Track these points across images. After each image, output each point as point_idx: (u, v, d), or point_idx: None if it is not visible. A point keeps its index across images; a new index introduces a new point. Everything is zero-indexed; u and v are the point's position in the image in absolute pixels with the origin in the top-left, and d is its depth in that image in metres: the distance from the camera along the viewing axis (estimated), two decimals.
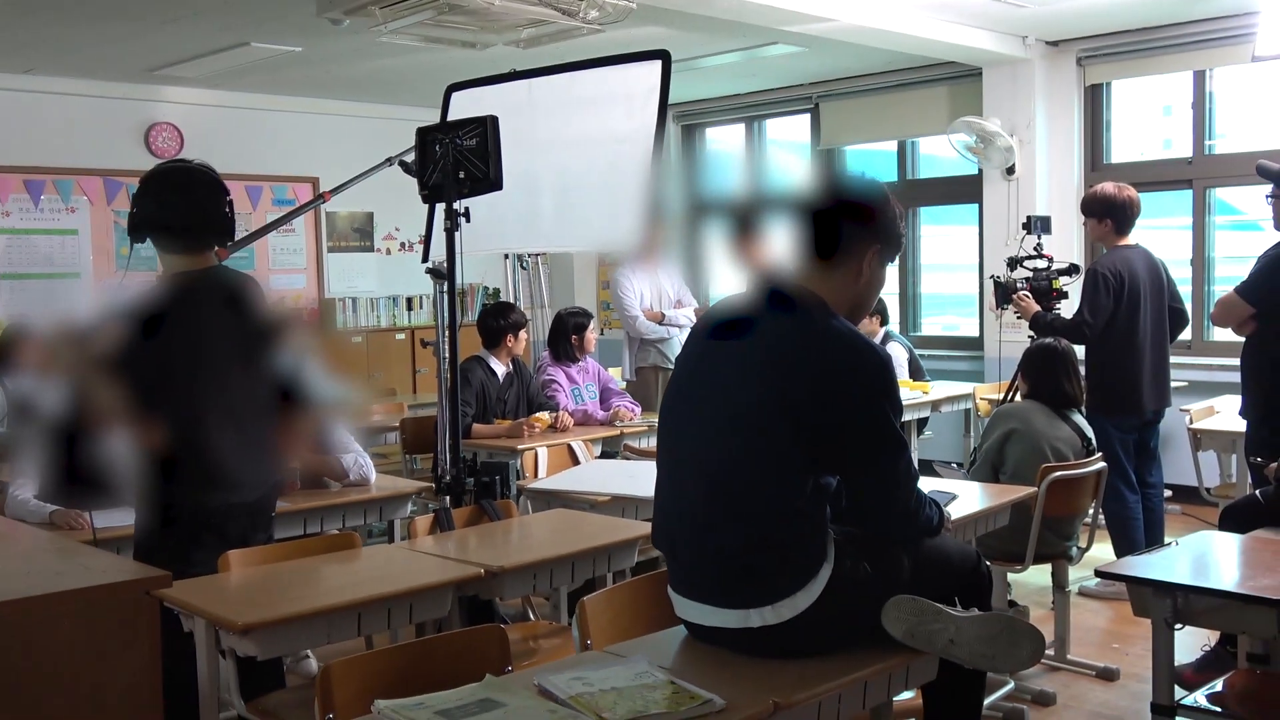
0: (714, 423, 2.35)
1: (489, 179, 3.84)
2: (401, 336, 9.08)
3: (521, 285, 6.98)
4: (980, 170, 7.77)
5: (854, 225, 2.42)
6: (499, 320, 5.68)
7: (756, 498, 2.30)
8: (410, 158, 4.11)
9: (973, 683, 2.58)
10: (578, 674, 2.17)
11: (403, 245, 9.44)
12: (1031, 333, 5.52)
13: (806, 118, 8.92)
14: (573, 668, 2.24)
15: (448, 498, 3.76)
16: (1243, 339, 4.49)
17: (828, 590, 2.29)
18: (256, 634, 2.67)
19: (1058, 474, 4.08)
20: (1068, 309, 5.57)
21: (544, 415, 5.43)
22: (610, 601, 2.65)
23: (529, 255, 7.20)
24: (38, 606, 1.42)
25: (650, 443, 5.48)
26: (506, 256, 7.83)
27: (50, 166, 7.81)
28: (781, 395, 2.29)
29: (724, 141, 9.75)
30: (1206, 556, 3.14)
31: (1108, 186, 5.23)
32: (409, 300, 9.31)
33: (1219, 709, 3.03)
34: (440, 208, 3.95)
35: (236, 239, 3.51)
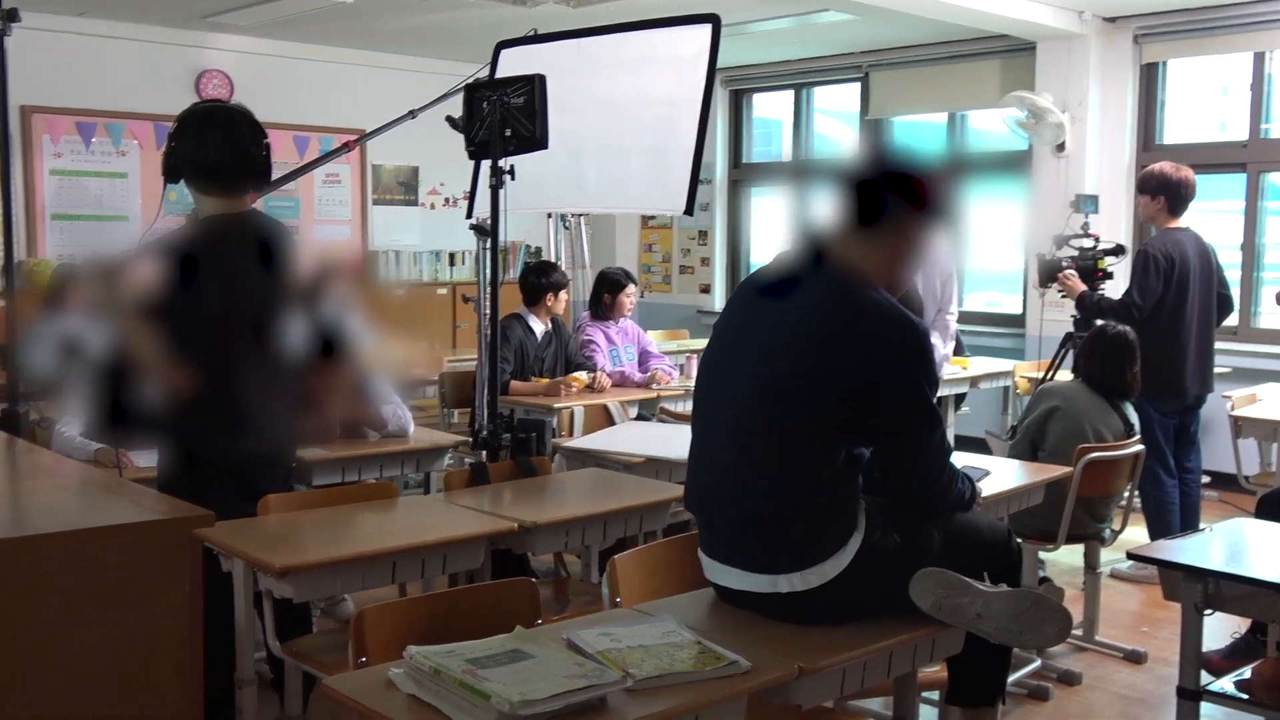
0: (749, 389, 2.36)
1: (535, 137, 3.84)
2: (443, 291, 9.13)
3: (563, 245, 6.99)
4: (1030, 146, 7.68)
5: (899, 197, 2.41)
6: (540, 279, 5.70)
7: (789, 465, 2.31)
8: (457, 113, 4.11)
9: (998, 658, 2.59)
10: (606, 630, 2.19)
11: (446, 201, 9.47)
12: (1075, 313, 5.49)
13: (856, 87, 8.85)
14: (601, 624, 2.27)
15: (484, 452, 3.79)
16: None
17: (857, 559, 2.31)
18: (293, 577, 2.72)
19: (1095, 455, 4.06)
20: (1112, 289, 5.53)
21: (581, 375, 5.46)
22: (641, 561, 2.68)
23: (571, 215, 7.21)
24: (85, 539, 1.46)
25: (687, 406, 5.50)
26: (549, 216, 7.84)
27: (102, 110, 7.88)
28: (817, 365, 2.29)
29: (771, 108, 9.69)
30: (1241, 544, 3.12)
31: (1165, 165, 5.17)
32: (451, 255, 9.35)
33: (1245, 696, 3.03)
34: (486, 165, 3.95)
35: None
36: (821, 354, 2.28)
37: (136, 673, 1.44)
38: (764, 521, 2.32)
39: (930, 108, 8.58)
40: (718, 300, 9.69)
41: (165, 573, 1.51)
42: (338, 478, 4.05)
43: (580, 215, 7.01)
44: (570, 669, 1.95)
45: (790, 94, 9.38)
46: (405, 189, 9.32)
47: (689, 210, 4.28)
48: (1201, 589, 2.86)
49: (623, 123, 4.63)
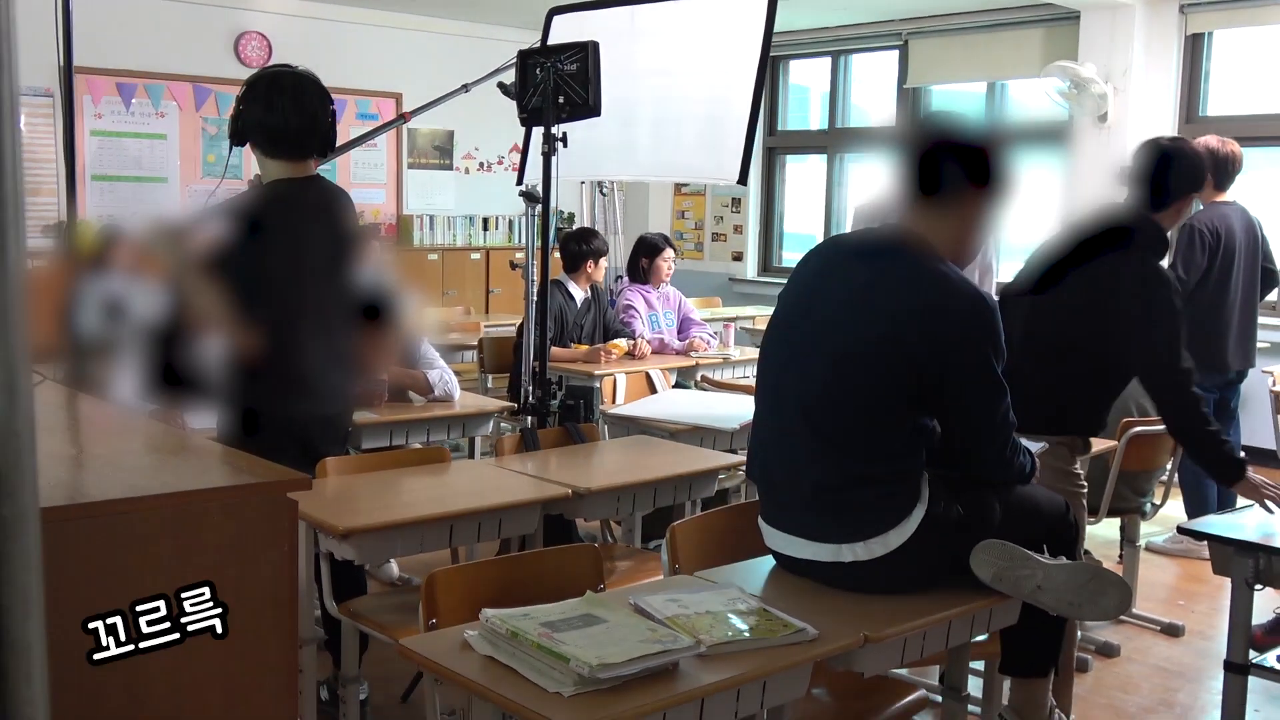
0: (817, 358, 2.38)
1: (588, 105, 3.85)
2: (476, 256, 9.16)
3: (598, 211, 7.00)
4: (1070, 117, 7.62)
5: (962, 169, 2.42)
6: (581, 245, 5.71)
7: (856, 435, 2.34)
8: (508, 78, 4.13)
9: (1053, 630, 2.61)
10: (672, 596, 2.23)
11: (481, 165, 9.48)
12: None
13: (894, 54, 8.79)
14: (665, 590, 2.30)
15: (532, 418, 3.83)
16: None
17: (920, 530, 2.33)
18: (355, 539, 2.76)
19: (1138, 429, 4.06)
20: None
21: (620, 342, 5.48)
22: (700, 528, 2.71)
23: (609, 182, 7.21)
24: (192, 501, 1.49)
25: (729, 375, 5.53)
26: (582, 182, 7.84)
27: (142, 70, 7.91)
28: (885, 336, 2.31)
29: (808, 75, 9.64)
30: None
31: (1210, 140, 5.13)
32: (485, 220, 9.37)
33: None
34: (538, 131, 3.97)
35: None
36: (892, 326, 2.30)
37: (238, 633, 1.47)
38: (830, 491, 2.35)
39: (970, 77, 8.52)
40: (750, 268, 9.69)
41: (265, 535, 1.55)
42: (385, 441, 4.10)
43: (615, 182, 7.01)
44: (644, 634, 1.98)
45: (828, 61, 9.32)
46: (440, 153, 9.33)
47: (743, 180, 4.28)
48: (1253, 564, 2.88)
49: (676, 90, 4.62)
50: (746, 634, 2.07)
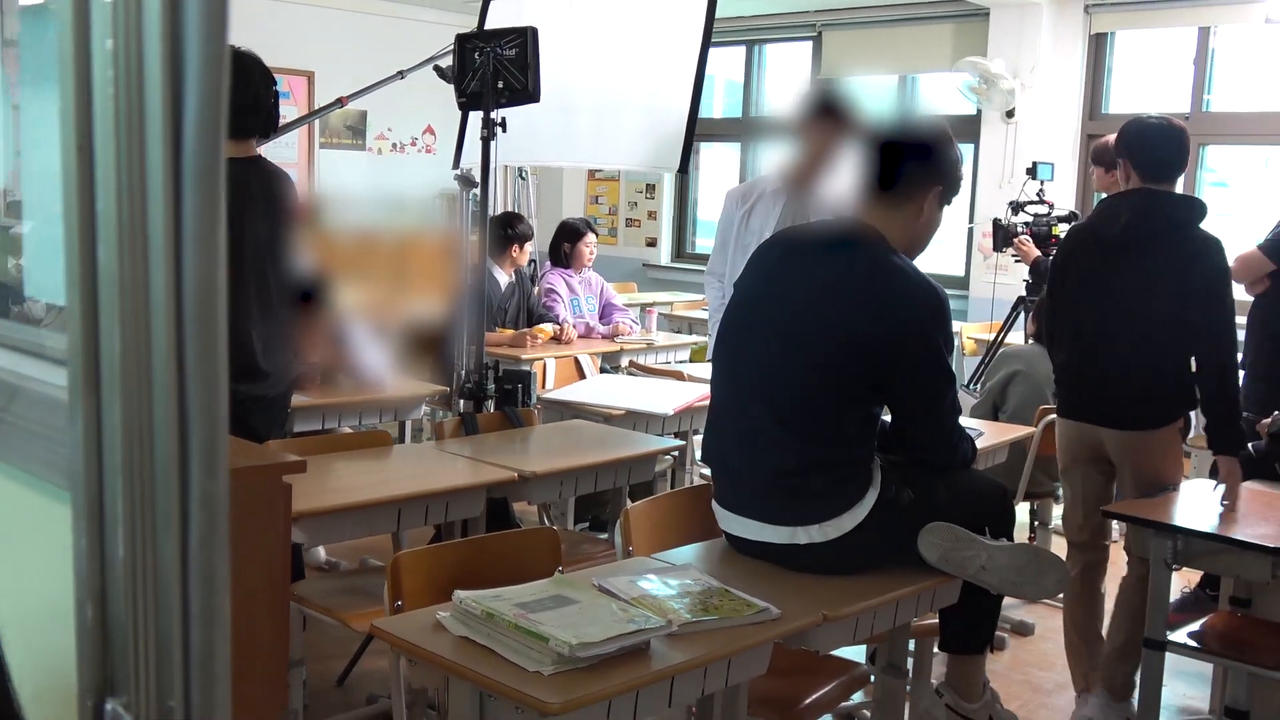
0: (776, 346, 2.45)
1: (527, 90, 3.86)
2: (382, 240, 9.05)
3: (524, 195, 6.99)
4: (979, 111, 7.83)
5: (918, 163, 2.50)
6: (506, 229, 5.71)
7: (814, 422, 2.41)
8: (445, 62, 4.11)
9: (990, 609, 2.72)
10: (633, 578, 2.27)
11: (394, 146, 9.37)
12: (1028, 277, 5.66)
13: (808, 45, 8.92)
14: (626, 571, 2.35)
15: (470, 402, 3.83)
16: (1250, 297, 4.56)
17: (872, 513, 2.42)
18: (304, 522, 2.75)
19: (1053, 416, 4.22)
20: None
21: (547, 327, 5.50)
22: (651, 511, 2.76)
23: (529, 167, 7.19)
24: None
25: (651, 360, 5.59)
26: (504, 166, 7.81)
27: None
28: (842, 325, 2.39)
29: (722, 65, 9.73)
30: (1200, 504, 3.29)
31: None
32: (398, 203, 9.26)
33: (1198, 645, 3.22)
34: (475, 116, 3.97)
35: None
36: (850, 316, 2.38)
37: (234, 616, 1.48)
38: (788, 476, 2.42)
39: (882, 69, 8.69)
40: (664, 254, 9.76)
41: (260, 518, 1.55)
42: (317, 425, 4.07)
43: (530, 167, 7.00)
44: (616, 614, 2.03)
45: (742, 50, 9.42)
46: (353, 133, 9.21)
47: (684, 169, 4.32)
48: (1171, 545, 3.04)
49: (616, 78, 4.65)
50: (714, 614, 2.12)
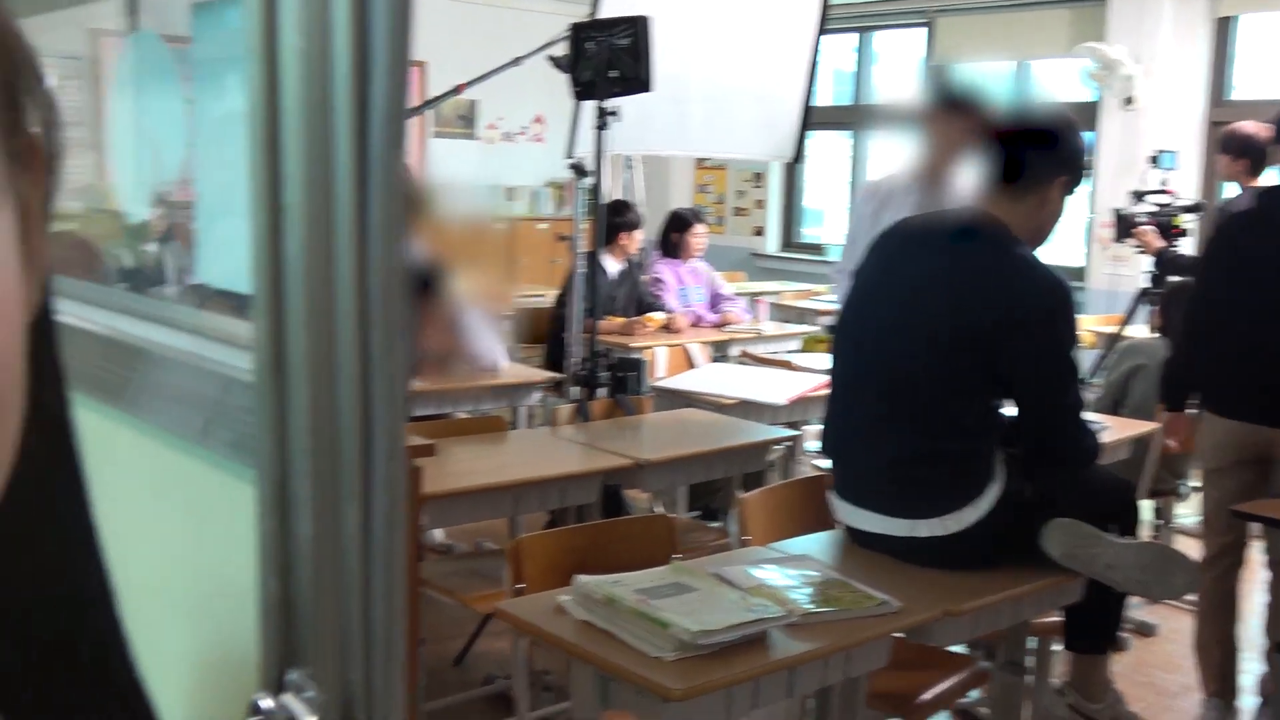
0: (896, 337, 2.42)
1: (639, 80, 3.88)
2: (500, 227, 9.17)
3: (633, 184, 7.00)
4: (1097, 98, 7.63)
5: (1043, 153, 2.45)
6: (615, 217, 5.72)
7: (934, 413, 2.39)
8: (559, 51, 4.15)
9: (1115, 608, 2.67)
10: (752, 567, 2.28)
11: (504, 135, 9.48)
12: (1152, 269, 5.51)
13: (921, 32, 8.78)
14: (742, 561, 2.36)
15: (584, 389, 3.87)
16: None
17: (994, 508, 2.38)
18: (425, 505, 2.80)
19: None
20: (1187, 246, 5.53)
21: (656, 316, 5.52)
22: (767, 501, 2.76)
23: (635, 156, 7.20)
24: None
25: (761, 349, 5.57)
26: (613, 155, 7.85)
27: None
28: (964, 318, 2.35)
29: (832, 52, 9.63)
30: None
31: (1248, 125, 5.15)
32: (508, 190, 9.38)
33: None
34: (588, 105, 3.99)
35: None
36: (970, 306, 2.35)
37: None
38: (907, 466, 2.40)
39: (997, 55, 8.52)
40: (771, 243, 9.71)
41: None
42: (432, 410, 4.14)
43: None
44: (735, 602, 2.03)
45: (855, 37, 9.31)
46: (464, 122, 9.33)
47: (797, 158, 4.31)
48: None
49: (728, 66, 4.64)
50: (834, 605, 2.12)
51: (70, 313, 1.27)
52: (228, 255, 0.78)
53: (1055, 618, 2.79)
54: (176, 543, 1.03)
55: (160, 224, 1.74)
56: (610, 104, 3.87)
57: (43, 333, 0.43)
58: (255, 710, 0.69)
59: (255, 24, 0.68)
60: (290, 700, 0.70)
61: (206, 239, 1.06)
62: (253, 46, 0.68)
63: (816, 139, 9.64)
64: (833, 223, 9.55)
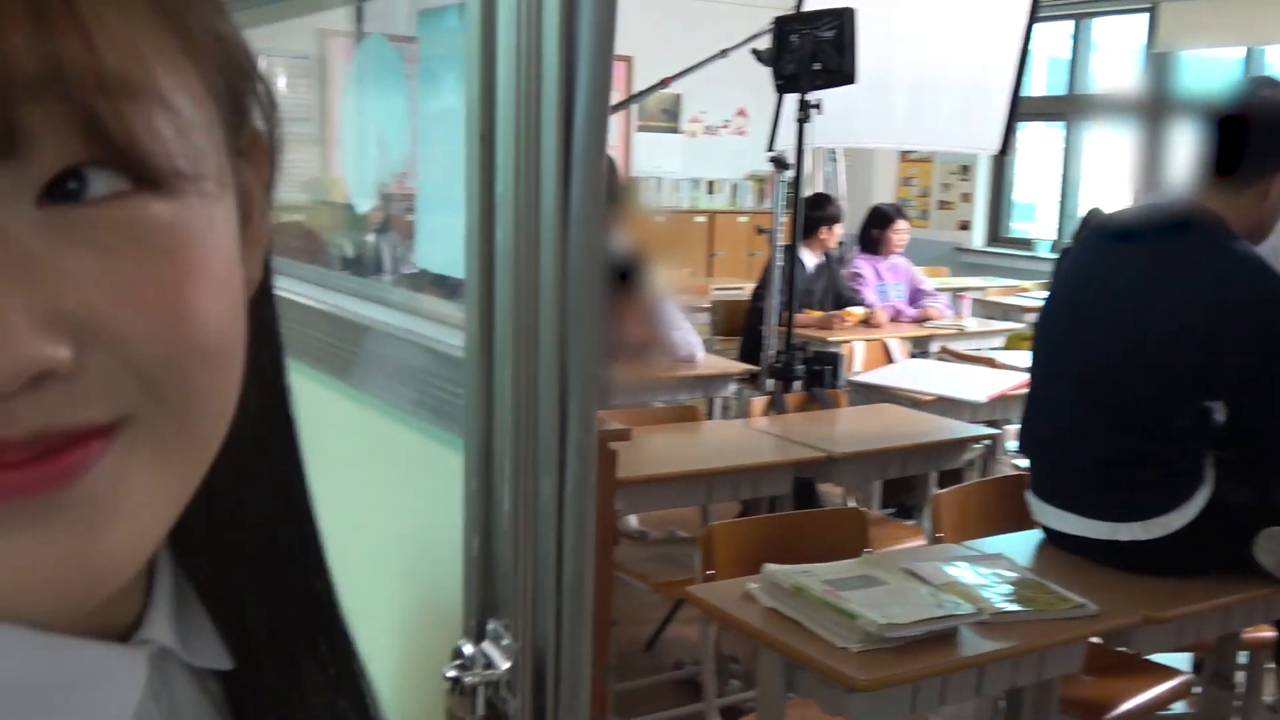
0: (1102, 333, 2.35)
1: (843, 72, 3.86)
2: (701, 219, 9.25)
3: (831, 177, 6.96)
4: None
5: (1266, 143, 2.34)
6: (815, 211, 5.70)
7: (1141, 412, 2.31)
8: (761, 45, 4.17)
9: None
10: (944, 564, 2.26)
11: (707, 129, 9.54)
12: None
13: (1143, 18, 8.40)
14: (934, 557, 2.34)
15: (779, 381, 3.89)
16: None
17: (1202, 514, 2.29)
18: (620, 490, 2.88)
19: None
20: None
21: (856, 310, 5.47)
22: (962, 498, 2.72)
23: (839, 149, 7.14)
24: None
25: (961, 346, 5.46)
26: (814, 148, 7.80)
27: None
28: (1177, 315, 2.27)
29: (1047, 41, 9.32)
30: None
31: None
32: (710, 184, 9.45)
33: None
34: (790, 98, 4.00)
35: None
36: (1182, 303, 2.26)
37: None
38: (1110, 468, 2.33)
39: (1226, 40, 8.07)
40: (978, 238, 9.48)
41: None
42: (628, 399, 4.22)
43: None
44: (925, 598, 2.03)
45: (1068, 25, 8.98)
46: (668, 116, 9.44)
47: (1004, 150, 4.21)
48: None
49: (935, 57, 4.56)
50: (1027, 605, 2.08)
51: (300, 292, 1.39)
52: (442, 243, 0.85)
53: (1269, 633, 2.66)
54: (390, 503, 1.12)
55: (378, 216, 1.86)
56: (812, 96, 3.87)
57: (262, 305, 0.49)
58: (458, 655, 0.76)
59: (475, 23, 0.74)
60: (489, 647, 0.77)
61: (423, 228, 1.14)
62: (470, 43, 0.74)
63: (1028, 131, 9.36)
64: (1045, 217, 9.25)
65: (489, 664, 0.76)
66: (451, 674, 0.78)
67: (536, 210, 0.72)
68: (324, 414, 1.18)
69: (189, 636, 0.49)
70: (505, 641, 0.78)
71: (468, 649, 0.77)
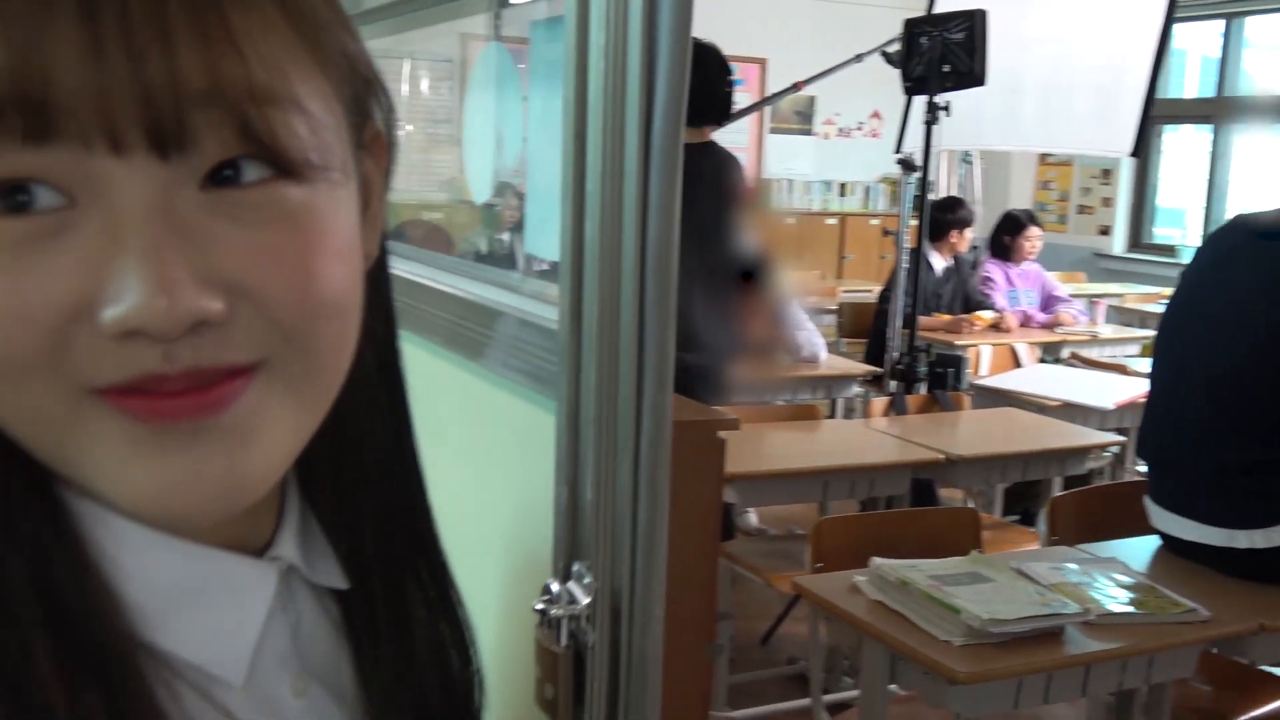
0: (1223, 337, 2.33)
1: (973, 74, 3.85)
2: (832, 221, 9.23)
3: (966, 180, 6.90)
4: None
5: None
6: (946, 214, 5.66)
7: (1262, 419, 2.27)
8: (891, 48, 4.17)
9: None
10: (1055, 565, 2.26)
11: (840, 131, 9.52)
12: None
13: None
14: (1047, 558, 2.34)
15: (901, 383, 3.90)
16: None
17: None
18: (737, 484, 2.95)
19: None
20: None
21: (985, 314, 5.42)
22: (1080, 502, 2.71)
23: (975, 151, 7.07)
24: None
25: (1094, 353, 5.37)
26: (949, 150, 7.73)
27: None
28: None
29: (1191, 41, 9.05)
30: None
31: None
32: (842, 186, 9.42)
33: None
34: (919, 100, 4.00)
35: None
36: None
37: (670, 564, 1.65)
38: (1231, 474, 2.30)
39: None
40: (1118, 243, 9.24)
41: (697, 470, 1.71)
42: (752, 397, 4.28)
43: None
44: (1031, 596, 2.04)
45: (1214, 24, 8.70)
46: (801, 118, 9.45)
47: (1136, 153, 4.14)
48: None
49: (1067, 58, 4.50)
50: (1135, 608, 2.08)
51: (427, 277, 1.51)
52: (548, 233, 0.94)
53: None
54: (496, 460, 1.24)
55: (512, 215, 1.96)
56: (940, 99, 3.87)
57: (378, 278, 0.58)
58: (546, 591, 0.86)
59: (571, 32, 0.82)
60: (573, 586, 0.87)
61: (531, 219, 1.23)
62: (569, 53, 0.82)
63: (1177, 135, 9.09)
64: (1192, 223, 8.98)
65: (572, 600, 0.86)
66: (539, 607, 0.88)
67: (619, 204, 0.80)
68: (442, 384, 1.31)
69: (312, 558, 0.58)
70: (587, 580, 0.87)
71: (554, 586, 0.87)
